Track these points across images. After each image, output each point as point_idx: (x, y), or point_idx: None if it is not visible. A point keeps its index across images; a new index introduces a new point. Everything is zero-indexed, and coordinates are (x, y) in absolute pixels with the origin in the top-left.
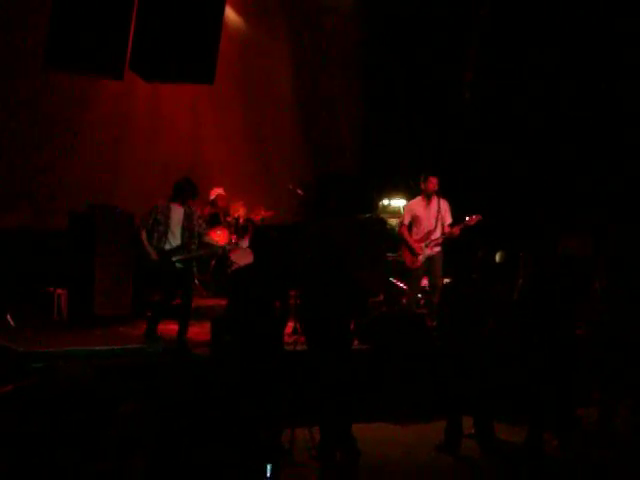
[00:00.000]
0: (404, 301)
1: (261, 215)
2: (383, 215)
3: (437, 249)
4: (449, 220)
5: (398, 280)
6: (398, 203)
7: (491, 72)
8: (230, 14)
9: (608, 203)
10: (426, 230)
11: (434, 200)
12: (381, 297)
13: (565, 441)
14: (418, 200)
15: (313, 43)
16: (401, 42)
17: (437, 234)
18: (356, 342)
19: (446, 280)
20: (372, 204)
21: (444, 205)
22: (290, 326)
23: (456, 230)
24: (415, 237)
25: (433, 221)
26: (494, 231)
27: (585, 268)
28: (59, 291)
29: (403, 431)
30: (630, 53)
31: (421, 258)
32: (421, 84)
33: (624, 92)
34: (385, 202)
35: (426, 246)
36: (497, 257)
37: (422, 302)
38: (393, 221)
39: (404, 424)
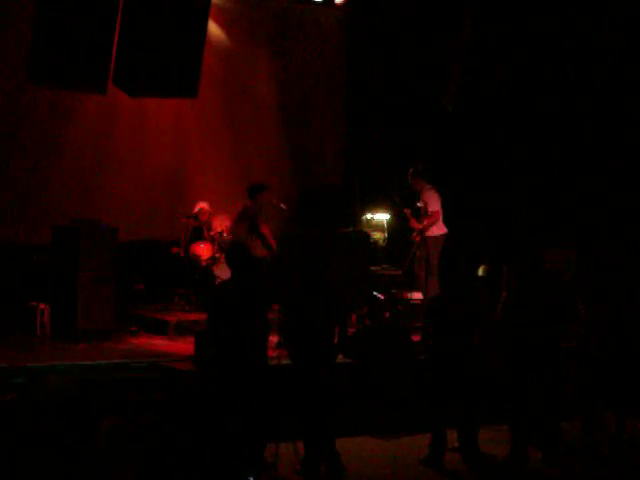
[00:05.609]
0: (387, 315)
1: None
2: (366, 229)
3: (426, 234)
4: (432, 209)
5: (381, 294)
6: (381, 217)
7: (474, 84)
8: (213, 27)
9: (594, 218)
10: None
11: (422, 193)
12: (365, 310)
13: (549, 455)
14: None
15: (296, 56)
16: (384, 53)
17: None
18: (340, 356)
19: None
20: (355, 218)
21: (425, 197)
22: (274, 340)
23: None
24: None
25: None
26: (478, 245)
27: (569, 283)
28: (42, 306)
29: (387, 445)
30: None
31: (415, 234)
32: (405, 96)
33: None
34: (369, 216)
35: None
36: (480, 271)
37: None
38: (376, 235)
39: (388, 438)
